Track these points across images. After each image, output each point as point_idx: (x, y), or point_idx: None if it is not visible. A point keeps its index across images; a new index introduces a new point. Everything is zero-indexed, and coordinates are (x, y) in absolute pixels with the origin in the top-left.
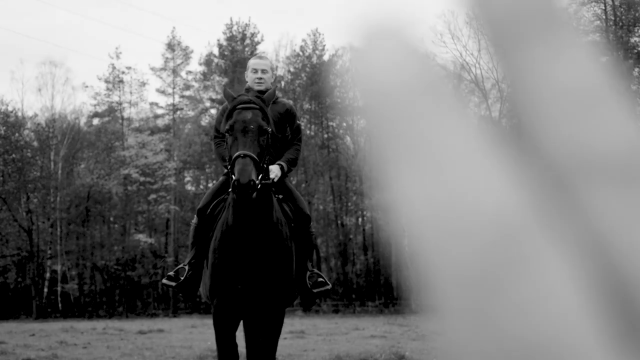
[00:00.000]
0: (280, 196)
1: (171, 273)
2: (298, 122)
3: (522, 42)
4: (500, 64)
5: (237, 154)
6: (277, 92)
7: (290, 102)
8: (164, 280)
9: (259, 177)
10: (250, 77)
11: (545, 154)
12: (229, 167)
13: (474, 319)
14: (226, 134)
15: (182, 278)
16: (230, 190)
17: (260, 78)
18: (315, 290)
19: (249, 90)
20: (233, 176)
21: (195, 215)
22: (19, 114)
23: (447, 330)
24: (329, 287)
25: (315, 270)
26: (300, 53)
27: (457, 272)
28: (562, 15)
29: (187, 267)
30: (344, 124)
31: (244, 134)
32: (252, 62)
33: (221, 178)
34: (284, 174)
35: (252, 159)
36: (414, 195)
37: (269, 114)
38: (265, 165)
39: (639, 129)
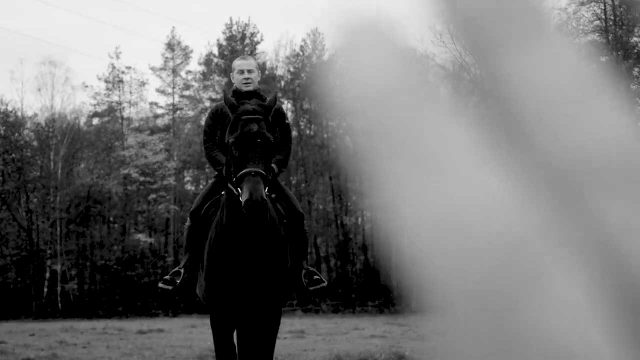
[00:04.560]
0: (274, 195)
1: (167, 277)
2: (287, 121)
3: (504, 44)
4: (482, 68)
5: (246, 171)
6: (278, 96)
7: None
8: (161, 285)
9: (267, 191)
10: (237, 79)
11: (543, 159)
12: (234, 180)
13: (490, 337)
14: (231, 147)
15: (178, 282)
16: (243, 209)
17: (248, 78)
18: (311, 288)
19: (237, 92)
20: (241, 193)
21: (188, 218)
22: (19, 114)
23: (463, 350)
24: (325, 284)
25: (311, 268)
26: (301, 53)
27: (470, 291)
28: (546, 15)
29: (182, 271)
30: (344, 124)
31: (251, 149)
32: (237, 64)
33: (213, 180)
34: (276, 175)
35: (262, 176)
36: (414, 211)
37: (272, 124)
38: (270, 177)
39: (637, 127)
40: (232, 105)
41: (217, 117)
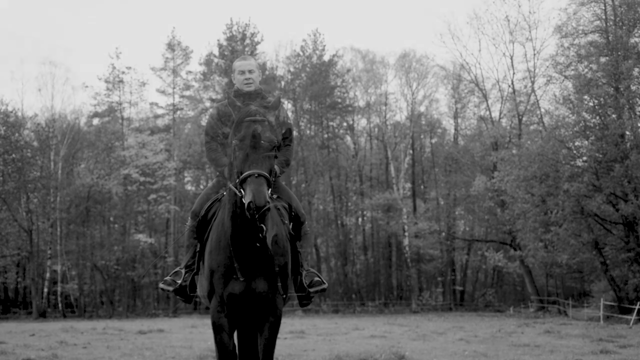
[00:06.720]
0: (275, 196)
1: (168, 277)
2: (289, 120)
3: None
4: None
5: (250, 172)
6: (281, 98)
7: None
8: (161, 285)
9: (269, 192)
10: (238, 80)
11: None
12: (237, 181)
13: None
14: (235, 148)
15: (179, 282)
16: (246, 210)
17: (248, 79)
18: (311, 290)
19: (238, 92)
20: (243, 193)
21: (189, 218)
22: (19, 114)
23: None
24: (325, 286)
25: (311, 270)
26: (301, 53)
27: None
28: None
29: (184, 271)
30: (344, 124)
31: (255, 150)
32: (237, 64)
33: (214, 180)
34: (278, 176)
35: (265, 177)
36: None
37: (275, 125)
38: (273, 178)
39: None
40: (236, 106)
41: (218, 118)
